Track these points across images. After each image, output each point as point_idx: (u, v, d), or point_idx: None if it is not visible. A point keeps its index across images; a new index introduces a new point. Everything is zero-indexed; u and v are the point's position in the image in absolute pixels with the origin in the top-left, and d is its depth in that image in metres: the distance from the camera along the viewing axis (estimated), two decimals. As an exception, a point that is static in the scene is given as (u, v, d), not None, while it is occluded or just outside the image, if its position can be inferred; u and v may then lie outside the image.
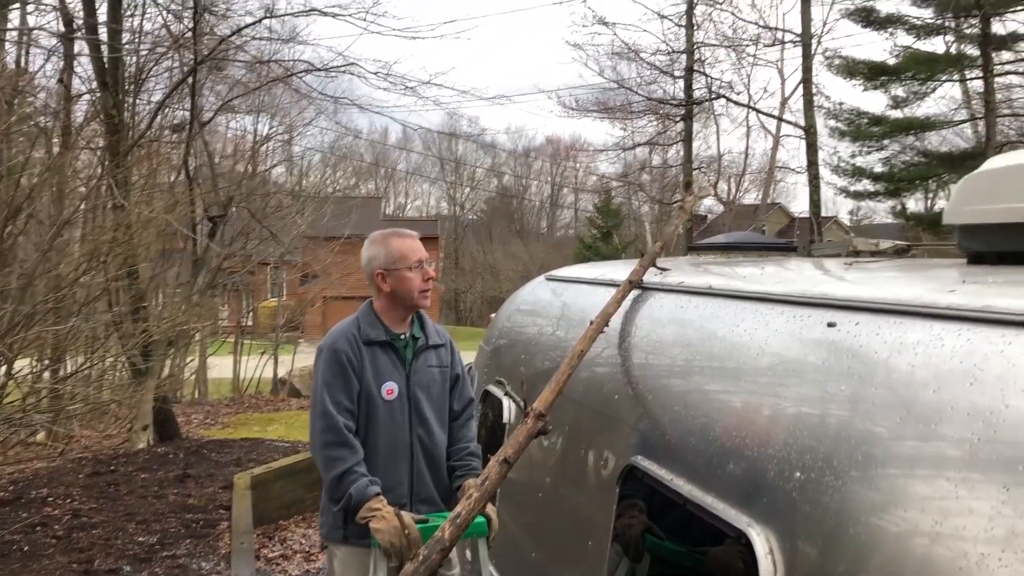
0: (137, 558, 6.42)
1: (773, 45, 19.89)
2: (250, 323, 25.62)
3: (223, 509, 7.74)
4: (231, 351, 20.18)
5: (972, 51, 18.28)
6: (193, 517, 7.49)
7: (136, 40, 12.81)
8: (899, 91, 19.45)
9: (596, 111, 21.22)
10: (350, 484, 2.88)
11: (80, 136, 11.61)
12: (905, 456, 1.40)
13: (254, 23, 12.88)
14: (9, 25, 11.87)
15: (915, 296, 1.68)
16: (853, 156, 20.56)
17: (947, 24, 18.41)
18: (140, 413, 11.04)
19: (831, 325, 1.74)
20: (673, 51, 18.66)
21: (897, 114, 19.66)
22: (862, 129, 19.76)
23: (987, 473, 1.24)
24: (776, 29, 19.15)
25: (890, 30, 18.80)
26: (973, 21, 17.10)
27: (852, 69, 19.41)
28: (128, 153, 10.88)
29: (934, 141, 20.98)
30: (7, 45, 11.82)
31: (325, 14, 12.55)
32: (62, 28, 11.21)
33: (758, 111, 23.41)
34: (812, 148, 16.32)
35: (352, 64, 13.06)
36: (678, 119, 19.48)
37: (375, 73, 13.21)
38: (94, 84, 11.50)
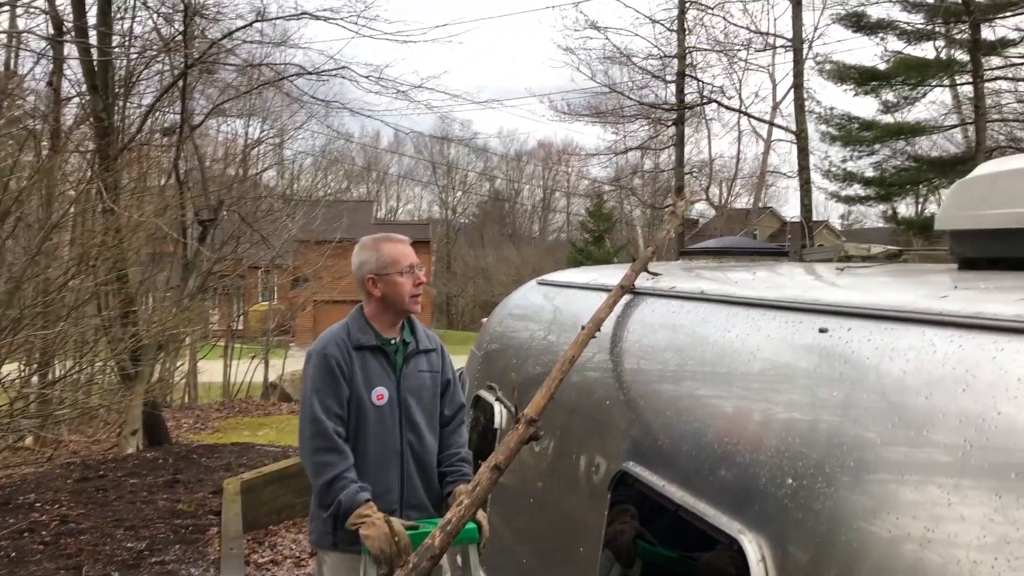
0: (126, 564, 6.38)
1: (764, 50, 20.01)
2: (241, 327, 25.54)
3: (213, 514, 7.70)
4: (221, 355, 20.11)
5: (962, 56, 18.40)
6: (182, 523, 7.44)
7: (126, 43, 12.76)
8: (890, 96, 19.56)
9: (588, 115, 21.27)
10: (340, 490, 2.86)
11: (69, 139, 11.55)
12: (897, 462, 1.39)
13: (245, 27, 12.87)
14: (-2, 28, 11.82)
15: (907, 302, 1.67)
16: (844, 161, 20.68)
17: (937, 29, 18.52)
18: (129, 418, 10.98)
19: (823, 331, 1.73)
20: (665, 55, 18.72)
21: (888, 119, 19.77)
22: (853, 134, 19.86)
23: (979, 480, 1.23)
24: (767, 34, 19.25)
25: (881, 35, 18.91)
26: (963, 27, 17.20)
27: (843, 74, 19.51)
28: (118, 156, 10.82)
29: (924, 146, 21.10)
30: (-4, 48, 11.77)
31: (316, 18, 12.54)
32: (52, 31, 11.16)
33: (750, 116, 23.50)
34: (803, 153, 16.38)
35: (343, 68, 13.07)
36: (670, 123, 19.52)
37: (367, 77, 13.22)
38: (84, 87, 11.45)
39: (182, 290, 13.24)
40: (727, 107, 20.47)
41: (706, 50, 19.51)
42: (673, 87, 19.06)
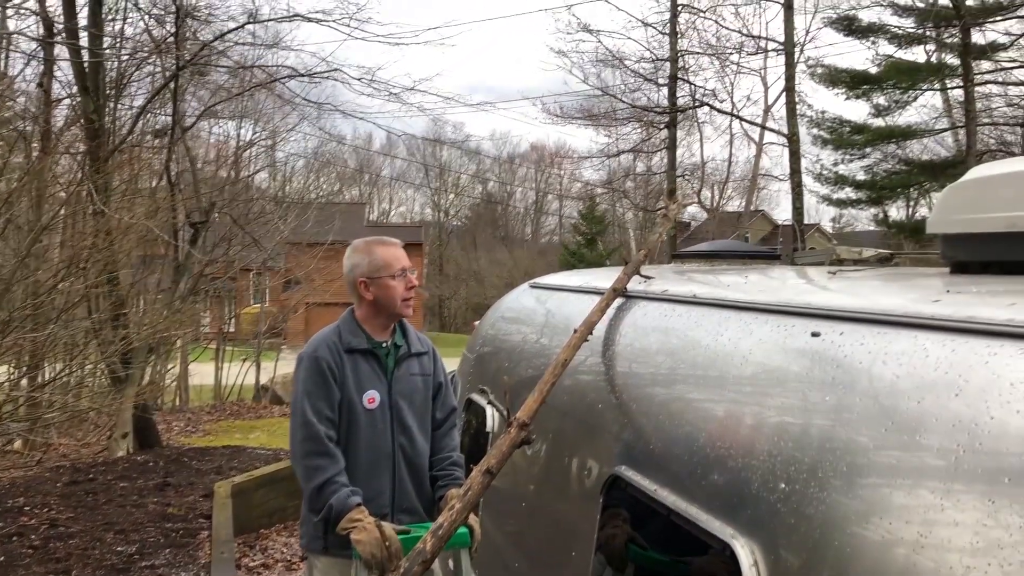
0: (115, 568, 6.34)
1: (756, 53, 20.07)
2: (232, 329, 25.46)
3: (203, 518, 7.66)
4: (213, 358, 20.04)
5: (953, 60, 18.49)
6: (173, 526, 7.41)
7: (117, 45, 12.72)
8: (881, 100, 19.65)
9: (581, 118, 21.30)
10: (331, 494, 2.85)
11: (60, 141, 11.51)
12: (889, 467, 1.39)
13: (237, 28, 12.83)
14: (-11, 29, 11.76)
15: (899, 306, 1.67)
16: (835, 164, 20.76)
17: (928, 34, 18.61)
18: (119, 421, 10.93)
19: (815, 335, 1.73)
20: (657, 59, 18.77)
21: (879, 122, 19.87)
22: (844, 137, 19.94)
23: (971, 484, 1.23)
24: (759, 37, 19.31)
25: (872, 39, 19.00)
26: (953, 31, 17.29)
27: (834, 78, 19.59)
28: (109, 158, 10.78)
29: (915, 149, 21.24)
30: (-13, 49, 11.71)
31: (308, 19, 12.51)
32: (42, 32, 11.11)
33: (741, 119, 23.55)
34: (795, 156, 16.44)
35: (336, 70, 13.04)
36: (662, 126, 19.56)
37: (359, 79, 13.20)
38: (74, 89, 11.41)
39: (173, 292, 13.19)
40: (719, 110, 20.55)
41: (698, 53, 19.56)
42: (665, 90, 19.11)
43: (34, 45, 11.43)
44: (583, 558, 2.32)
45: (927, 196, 21.58)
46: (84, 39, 10.89)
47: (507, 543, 3.20)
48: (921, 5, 18.59)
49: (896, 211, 24.47)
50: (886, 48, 19.14)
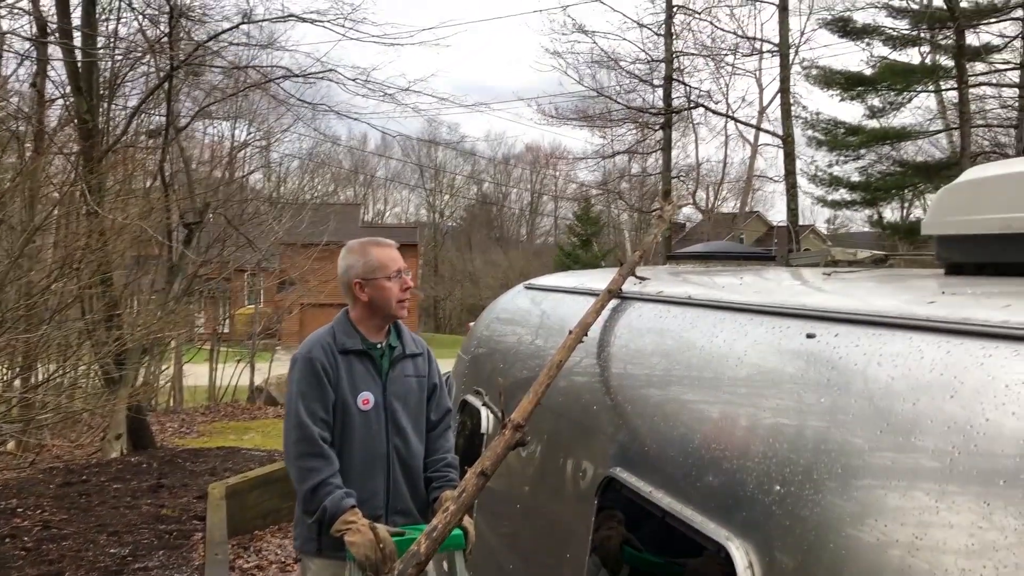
0: (108, 570, 6.31)
1: (751, 55, 20.10)
2: (226, 330, 25.41)
3: (197, 519, 7.64)
4: (207, 359, 20.00)
5: (947, 62, 18.55)
6: (167, 528, 7.38)
7: (111, 45, 12.68)
8: (875, 101, 19.70)
9: (576, 119, 21.33)
10: (325, 496, 2.84)
11: (53, 141, 11.46)
12: (884, 468, 1.38)
13: (231, 28, 12.80)
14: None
15: (894, 307, 1.67)
16: (830, 165, 20.81)
17: (922, 35, 18.67)
18: (113, 422, 10.89)
19: (810, 336, 1.73)
20: (652, 60, 18.78)
21: (873, 124, 19.91)
22: (839, 139, 19.99)
23: (967, 486, 1.23)
24: (754, 39, 19.34)
25: (866, 40, 19.06)
26: (948, 32, 17.34)
27: (829, 79, 19.64)
28: (102, 159, 10.75)
29: (910, 151, 21.29)
30: (-21, 49, 11.67)
31: (303, 20, 12.50)
32: (35, 32, 11.07)
33: (736, 120, 23.60)
34: (790, 157, 16.48)
35: (330, 70, 13.03)
36: (657, 128, 19.58)
37: (353, 80, 13.19)
38: (68, 89, 11.36)
39: (167, 293, 13.16)
40: (714, 111, 20.57)
41: (693, 54, 19.59)
42: (660, 91, 19.12)
43: (27, 45, 11.41)
44: (578, 560, 2.32)
45: (921, 198, 21.66)
46: (78, 39, 10.85)
47: (502, 545, 3.20)
48: (915, 7, 18.66)
49: (891, 213, 24.56)
50: (881, 50, 19.22)
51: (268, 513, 8.31)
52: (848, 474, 1.43)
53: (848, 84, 19.30)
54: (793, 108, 17.59)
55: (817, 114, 20.10)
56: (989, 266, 1.93)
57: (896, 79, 18.79)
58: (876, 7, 18.58)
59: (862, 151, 20.09)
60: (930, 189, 18.53)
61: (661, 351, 2.34)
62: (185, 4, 12.31)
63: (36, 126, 11.19)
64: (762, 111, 27.57)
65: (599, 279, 3.09)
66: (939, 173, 17.45)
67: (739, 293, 2.33)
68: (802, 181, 19.19)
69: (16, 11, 11.07)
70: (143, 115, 13.56)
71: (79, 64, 10.70)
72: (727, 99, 24.37)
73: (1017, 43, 16.69)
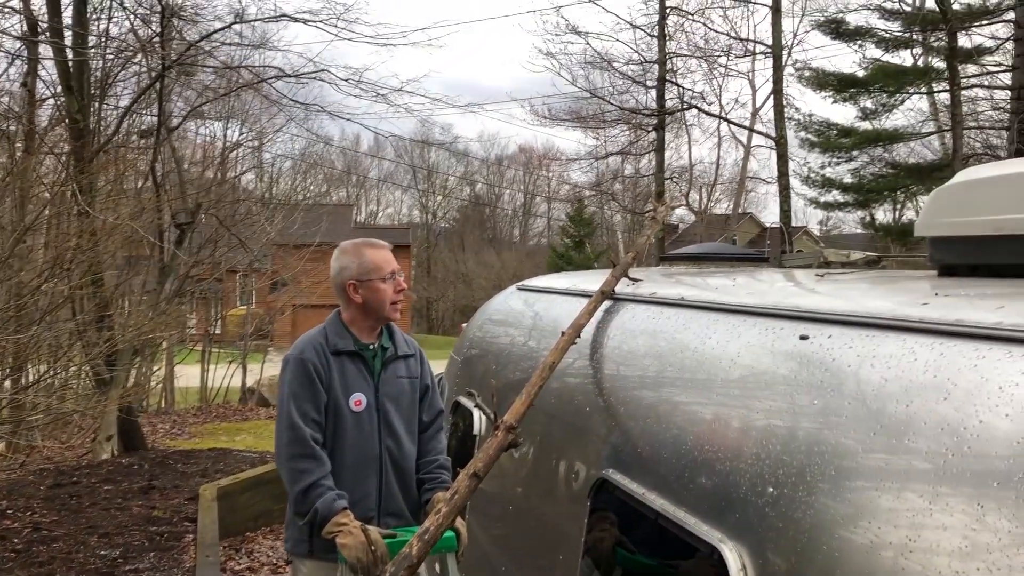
0: (99, 572, 6.28)
1: (744, 56, 20.19)
2: (218, 331, 25.32)
3: (189, 521, 7.61)
4: (199, 360, 19.93)
5: (939, 64, 18.63)
6: (158, 530, 7.35)
7: (102, 44, 12.62)
8: (868, 103, 19.78)
9: (569, 120, 21.34)
10: (316, 498, 2.83)
11: (44, 141, 11.40)
12: (877, 470, 1.38)
13: (223, 28, 12.77)
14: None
15: (887, 309, 1.67)
16: (823, 167, 20.89)
17: (914, 37, 18.74)
18: (104, 423, 10.85)
19: (803, 338, 1.73)
20: (645, 61, 18.82)
21: (866, 126, 19.99)
22: (832, 140, 20.06)
23: (960, 488, 1.22)
24: (747, 40, 19.42)
25: (859, 42, 19.12)
26: (940, 34, 17.41)
27: (822, 81, 19.71)
28: (93, 159, 10.70)
29: (902, 153, 21.38)
30: (-30, 48, 11.59)
31: (295, 20, 12.48)
32: (26, 31, 11.01)
33: (729, 122, 23.67)
34: (782, 159, 16.53)
35: (323, 71, 13.00)
36: (650, 129, 19.61)
37: (346, 80, 13.16)
38: (59, 88, 11.31)
39: (159, 294, 13.11)
40: (707, 113, 20.64)
41: (686, 56, 19.65)
42: (654, 92, 19.16)
43: (18, 44, 11.33)
44: (570, 562, 2.31)
45: (913, 199, 21.74)
46: (69, 38, 10.80)
47: (494, 547, 3.19)
48: (908, 9, 18.73)
49: (883, 214, 24.64)
50: (873, 51, 19.29)
51: (260, 515, 8.28)
52: (841, 476, 1.42)
53: (841, 86, 19.37)
54: (786, 110, 17.66)
55: (810, 116, 20.20)
56: (982, 267, 1.93)
57: (888, 81, 18.87)
58: (869, 9, 18.66)
59: (854, 153, 20.17)
60: (922, 191, 18.61)
61: (654, 352, 2.33)
62: (177, 3, 12.27)
63: (27, 126, 11.14)
64: (755, 113, 27.65)
65: (592, 280, 3.09)
66: (931, 175, 17.52)
67: (732, 295, 2.33)
68: (795, 183, 19.29)
69: (6, 10, 11.02)
70: (134, 115, 13.53)
71: (70, 63, 10.66)
72: (720, 100, 24.40)
73: (1009, 45, 16.74)
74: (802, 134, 20.44)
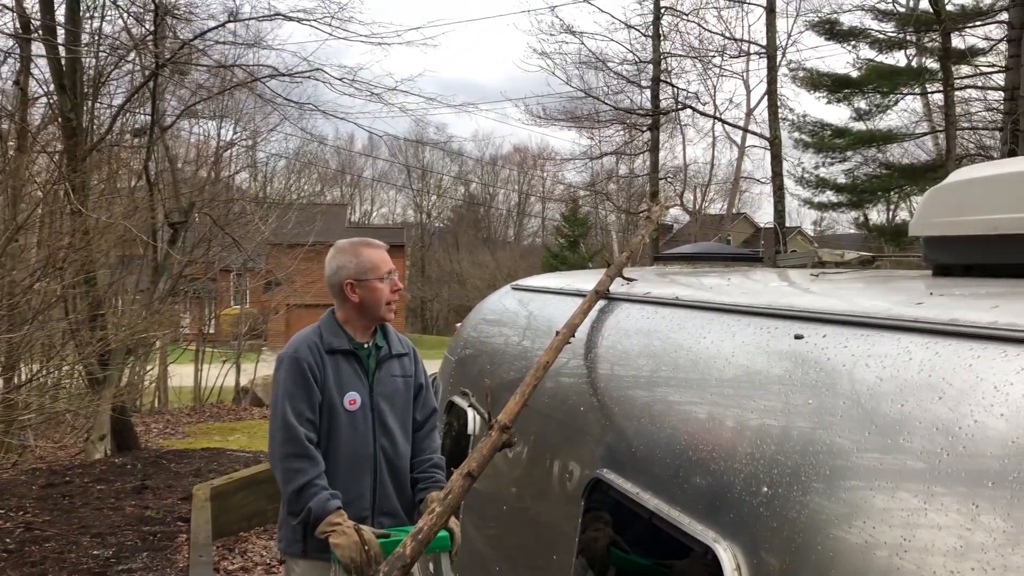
0: (92, 572, 6.26)
1: (739, 56, 20.19)
2: (212, 331, 25.26)
3: (182, 521, 7.59)
4: (192, 359, 19.88)
5: (933, 65, 18.68)
6: (151, 530, 7.33)
7: (95, 42, 12.58)
8: (862, 104, 19.83)
9: (564, 120, 21.35)
10: (310, 497, 2.82)
11: (37, 139, 11.35)
12: (872, 470, 1.38)
13: (217, 27, 12.74)
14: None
15: (882, 308, 1.67)
16: (817, 167, 20.94)
17: (908, 38, 18.78)
18: (97, 423, 10.80)
19: (798, 337, 1.72)
20: (640, 61, 18.83)
21: (860, 126, 20.04)
22: (826, 141, 20.10)
23: (954, 488, 1.22)
24: (742, 41, 19.44)
25: (853, 43, 19.16)
26: (933, 35, 17.45)
27: (816, 81, 19.74)
28: (86, 157, 10.65)
29: (896, 153, 21.43)
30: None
31: (289, 19, 12.45)
32: (18, 29, 10.96)
33: (724, 122, 23.73)
34: (777, 159, 16.56)
35: (317, 69, 12.97)
36: (645, 129, 19.62)
37: (340, 79, 13.13)
38: (51, 87, 11.26)
39: (152, 293, 13.07)
40: (702, 113, 20.65)
41: (681, 56, 19.66)
42: (648, 92, 19.17)
43: (10, 42, 11.28)
44: (565, 562, 2.31)
45: (907, 200, 21.79)
46: (61, 36, 10.76)
47: (488, 547, 3.18)
48: (901, 10, 18.77)
49: (876, 214, 24.71)
50: (867, 52, 19.35)
51: (253, 515, 8.26)
52: (836, 475, 1.42)
53: (835, 86, 19.41)
54: (780, 110, 17.69)
55: (804, 116, 20.25)
56: (977, 267, 1.93)
57: (882, 81, 18.92)
58: (863, 10, 18.70)
59: (848, 153, 20.22)
60: (916, 191, 18.66)
61: (648, 352, 2.33)
62: (170, 2, 12.23)
63: (19, 124, 11.08)
64: (749, 113, 27.71)
65: (586, 280, 3.09)
66: (925, 175, 17.57)
67: (727, 294, 2.33)
68: (789, 183, 19.30)
69: (-1, 8, 10.97)
70: (128, 114, 13.48)
71: (63, 62, 10.61)
72: (715, 101, 24.46)
73: (1002, 46, 16.79)
74: (796, 134, 20.50)
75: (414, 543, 2.04)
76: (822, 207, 23.01)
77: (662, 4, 18.32)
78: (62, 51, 10.58)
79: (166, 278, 13.71)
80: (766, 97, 17.38)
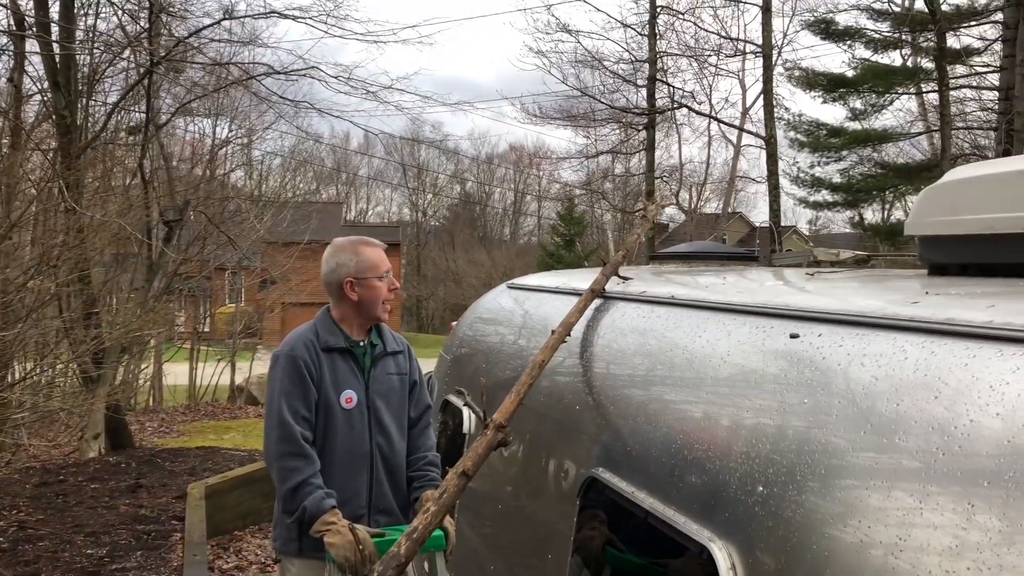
0: (85, 571, 6.24)
1: (734, 56, 20.23)
2: (207, 329, 25.21)
3: (176, 520, 7.57)
4: (187, 358, 19.84)
5: (928, 65, 18.71)
6: (145, 528, 7.31)
7: (90, 40, 12.53)
8: (857, 103, 19.86)
9: (559, 119, 21.34)
10: (305, 496, 2.81)
11: (30, 137, 11.31)
12: (867, 469, 1.38)
13: (212, 24, 12.70)
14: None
15: (878, 307, 1.67)
16: (812, 167, 20.97)
17: (904, 38, 18.82)
18: (91, 421, 10.78)
19: (794, 336, 1.72)
20: (636, 60, 18.84)
21: (855, 126, 20.07)
22: (821, 140, 20.13)
23: (949, 487, 1.22)
24: (738, 40, 19.48)
25: (848, 42, 19.18)
26: (929, 35, 17.49)
27: (812, 81, 19.77)
28: (80, 155, 10.62)
29: (891, 153, 21.48)
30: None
31: (285, 16, 12.42)
32: (12, 26, 10.92)
33: (719, 121, 23.73)
34: (772, 158, 16.59)
35: (312, 68, 12.93)
36: (640, 128, 19.64)
37: (336, 77, 13.09)
38: (46, 84, 11.22)
39: (146, 291, 13.03)
40: (697, 112, 20.67)
41: (677, 55, 19.67)
42: (644, 91, 19.18)
43: (4, 39, 11.24)
44: (560, 561, 2.30)
45: (902, 199, 21.85)
46: (56, 33, 10.72)
47: (483, 546, 3.18)
48: (897, 9, 18.80)
49: (872, 214, 24.77)
50: (862, 52, 19.37)
51: (248, 513, 8.25)
52: (831, 475, 1.42)
53: (830, 86, 19.44)
54: (776, 109, 17.72)
55: (799, 115, 20.27)
56: (972, 267, 1.93)
57: (878, 81, 18.95)
58: (858, 9, 18.73)
59: (844, 152, 20.25)
60: (911, 191, 18.69)
61: (644, 351, 2.33)
62: (166, -1, 12.20)
63: (13, 121, 11.04)
64: (745, 112, 27.69)
65: (582, 279, 3.08)
66: (920, 175, 17.60)
67: (722, 293, 2.32)
68: (784, 182, 19.34)
69: (-7, 5, 10.92)
70: (122, 111, 13.42)
71: (57, 59, 10.58)
72: (710, 100, 24.46)
73: (997, 46, 16.83)
74: (792, 134, 20.52)
75: (409, 542, 2.04)
76: (817, 206, 23.06)
77: (658, 3, 18.35)
78: (56, 48, 10.55)
79: (161, 276, 13.67)
80: (762, 96, 17.42)
